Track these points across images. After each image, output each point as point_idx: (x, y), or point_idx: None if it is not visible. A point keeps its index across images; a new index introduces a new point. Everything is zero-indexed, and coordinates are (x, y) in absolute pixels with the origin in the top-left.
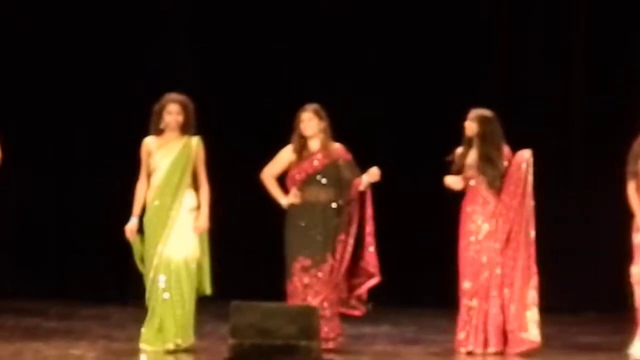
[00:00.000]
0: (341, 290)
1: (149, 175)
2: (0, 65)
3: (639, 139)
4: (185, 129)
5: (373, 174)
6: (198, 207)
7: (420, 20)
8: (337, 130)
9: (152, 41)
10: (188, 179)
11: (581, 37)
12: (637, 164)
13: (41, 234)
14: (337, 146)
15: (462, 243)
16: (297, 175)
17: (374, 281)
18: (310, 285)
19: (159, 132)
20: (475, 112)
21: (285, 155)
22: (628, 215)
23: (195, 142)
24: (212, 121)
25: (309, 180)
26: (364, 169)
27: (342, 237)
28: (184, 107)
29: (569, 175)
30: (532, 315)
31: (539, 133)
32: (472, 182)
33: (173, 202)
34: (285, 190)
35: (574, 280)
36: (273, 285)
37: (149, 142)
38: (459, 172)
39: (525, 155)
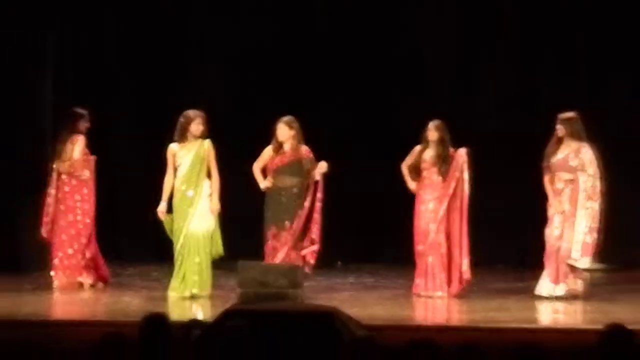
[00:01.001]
0: (297, 254)
1: (174, 171)
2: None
3: (551, 141)
4: (203, 136)
5: (321, 167)
6: (212, 193)
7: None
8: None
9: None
10: (204, 172)
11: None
12: (549, 161)
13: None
14: (303, 147)
15: (416, 217)
16: (272, 166)
17: (314, 248)
18: (276, 247)
19: (184, 139)
20: (435, 122)
21: (266, 153)
22: (543, 196)
23: (207, 143)
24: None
25: (280, 171)
26: (340, 162)
27: (299, 212)
28: (205, 120)
29: (496, 166)
30: (465, 263)
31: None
32: (425, 173)
33: (195, 188)
34: (266, 177)
35: (492, 240)
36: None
37: (173, 147)
38: (416, 164)
39: (462, 153)
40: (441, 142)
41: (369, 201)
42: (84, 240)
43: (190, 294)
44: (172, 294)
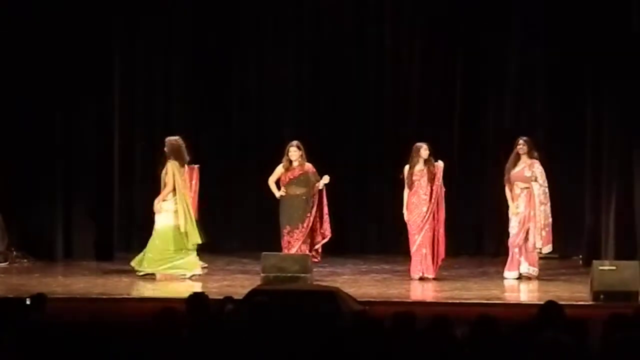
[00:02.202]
0: (307, 246)
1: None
2: None
3: (511, 156)
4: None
5: (325, 179)
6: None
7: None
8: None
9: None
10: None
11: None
12: (509, 174)
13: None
14: (308, 164)
15: (411, 217)
16: (285, 179)
17: (325, 240)
18: (291, 242)
19: (183, 161)
20: (425, 144)
21: (279, 170)
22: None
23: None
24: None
25: (291, 183)
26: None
27: (308, 214)
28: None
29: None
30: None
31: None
32: (416, 182)
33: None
34: (279, 188)
35: (461, 232)
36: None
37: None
38: (409, 180)
39: (439, 165)
40: (429, 158)
41: (361, 204)
42: None
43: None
44: (133, 266)
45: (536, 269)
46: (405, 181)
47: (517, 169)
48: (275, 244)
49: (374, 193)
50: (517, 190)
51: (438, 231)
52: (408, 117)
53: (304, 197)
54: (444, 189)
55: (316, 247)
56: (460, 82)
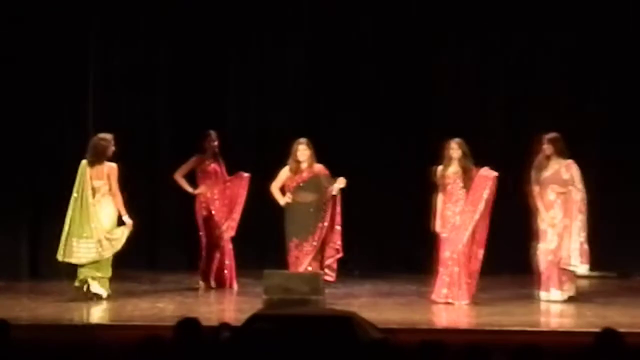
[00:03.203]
0: (319, 262)
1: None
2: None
3: (538, 158)
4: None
5: (340, 182)
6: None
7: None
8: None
9: None
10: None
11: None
12: (540, 176)
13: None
14: (319, 166)
15: (443, 229)
16: (292, 184)
17: (338, 255)
18: (299, 257)
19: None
20: (456, 140)
21: (284, 173)
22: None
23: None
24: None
25: (298, 188)
26: (356, 175)
27: (319, 224)
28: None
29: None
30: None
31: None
32: (449, 187)
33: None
34: (284, 194)
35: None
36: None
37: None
38: (442, 183)
39: (485, 173)
40: (463, 157)
41: (384, 215)
42: None
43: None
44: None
45: (576, 289)
46: (438, 185)
47: (550, 171)
48: (280, 260)
49: (398, 200)
50: (550, 196)
51: (476, 252)
52: (438, 111)
53: (315, 205)
54: (489, 203)
55: (329, 263)
56: (500, 76)
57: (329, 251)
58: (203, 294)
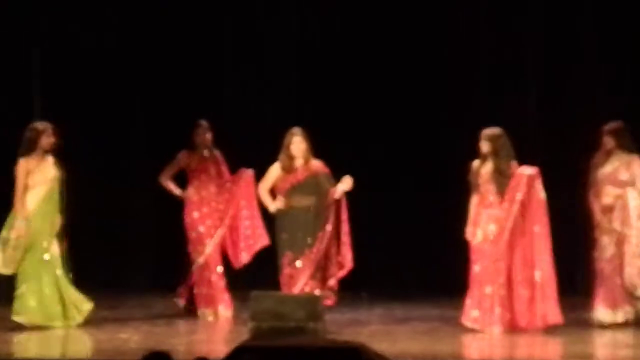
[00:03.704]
0: (318, 281)
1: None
2: None
3: (599, 152)
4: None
5: (346, 182)
6: None
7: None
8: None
9: None
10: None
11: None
12: (595, 173)
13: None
14: (317, 162)
15: (475, 238)
16: (283, 186)
17: (343, 273)
18: (294, 276)
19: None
20: (486, 132)
21: (274, 172)
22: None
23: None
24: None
25: (293, 190)
26: (363, 178)
27: (319, 235)
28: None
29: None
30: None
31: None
32: (482, 189)
33: None
34: (275, 198)
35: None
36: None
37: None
38: (476, 182)
39: (527, 172)
40: (496, 154)
41: (398, 221)
42: None
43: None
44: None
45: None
46: (473, 184)
47: (609, 168)
48: (270, 279)
49: (418, 203)
50: (607, 199)
51: (529, 275)
52: (465, 96)
53: (313, 211)
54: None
55: (331, 283)
56: (538, 58)
57: (331, 268)
58: (181, 321)
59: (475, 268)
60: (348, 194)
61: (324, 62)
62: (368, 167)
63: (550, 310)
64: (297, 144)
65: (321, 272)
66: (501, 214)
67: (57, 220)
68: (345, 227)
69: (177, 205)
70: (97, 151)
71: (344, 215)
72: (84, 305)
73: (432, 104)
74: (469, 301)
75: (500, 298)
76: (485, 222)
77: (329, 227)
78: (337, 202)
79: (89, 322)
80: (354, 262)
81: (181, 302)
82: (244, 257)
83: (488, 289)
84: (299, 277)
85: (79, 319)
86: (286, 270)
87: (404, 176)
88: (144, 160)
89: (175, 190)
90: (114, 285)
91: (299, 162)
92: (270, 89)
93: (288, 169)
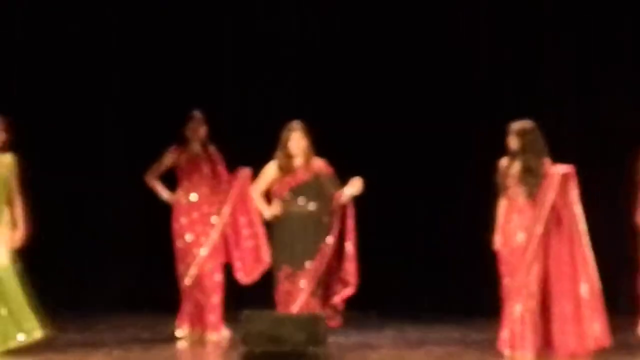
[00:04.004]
0: (320, 299)
1: None
2: None
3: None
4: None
5: (354, 185)
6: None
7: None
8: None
9: None
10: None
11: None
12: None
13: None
14: (319, 161)
15: (505, 248)
16: (282, 189)
17: (348, 291)
18: (292, 292)
19: None
20: (515, 126)
21: (270, 172)
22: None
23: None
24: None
25: (291, 194)
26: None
27: (321, 246)
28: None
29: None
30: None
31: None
32: (511, 191)
33: None
34: (270, 202)
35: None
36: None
37: None
38: (505, 183)
39: (561, 170)
40: (526, 151)
41: (412, 230)
42: None
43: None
44: None
45: None
46: (500, 186)
47: None
48: (264, 296)
49: (436, 209)
50: None
51: (570, 289)
52: (493, 86)
53: (315, 218)
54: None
55: (334, 301)
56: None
57: (335, 284)
58: (159, 345)
59: (505, 282)
60: (355, 199)
61: (329, 53)
62: (376, 170)
63: (600, 330)
64: (297, 140)
65: (323, 288)
66: (532, 219)
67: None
68: (351, 238)
69: (163, 211)
70: (64, 150)
71: (351, 224)
72: (34, 331)
73: (452, 97)
74: (506, 322)
75: (533, 317)
76: (515, 229)
77: (332, 237)
78: (343, 208)
79: (54, 347)
80: (362, 277)
81: (183, 330)
82: (241, 277)
83: (518, 307)
84: (298, 294)
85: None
86: (283, 286)
87: (418, 179)
88: (121, 159)
89: (163, 192)
90: (81, 305)
91: (298, 162)
92: (273, 80)
93: (286, 169)
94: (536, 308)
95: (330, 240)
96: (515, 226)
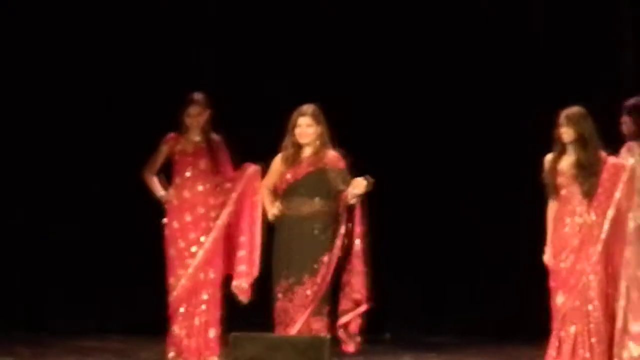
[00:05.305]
0: (325, 319)
1: None
2: None
3: None
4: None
5: (358, 184)
6: None
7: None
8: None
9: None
10: None
11: None
12: None
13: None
14: (331, 153)
15: (556, 261)
16: (282, 184)
17: (360, 309)
18: (289, 310)
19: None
20: (568, 114)
21: (276, 166)
22: None
23: None
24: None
25: (290, 191)
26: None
27: (325, 258)
28: None
29: None
30: None
31: None
32: (563, 192)
33: None
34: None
35: None
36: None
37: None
38: (553, 182)
39: (615, 161)
40: (583, 143)
41: (434, 240)
42: None
43: None
44: None
45: None
46: (548, 186)
47: None
48: (260, 315)
49: (463, 214)
50: None
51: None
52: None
53: (320, 221)
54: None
55: (343, 321)
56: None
57: (343, 301)
58: None
59: (558, 300)
60: (371, 200)
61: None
62: (394, 169)
63: None
64: (304, 127)
65: (328, 306)
66: (591, 222)
67: None
68: (358, 247)
69: (153, 213)
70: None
71: (358, 230)
72: None
73: (486, 82)
74: (552, 341)
75: (594, 337)
76: (570, 237)
77: (337, 245)
78: (351, 209)
79: None
80: (374, 294)
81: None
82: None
83: (572, 329)
84: (298, 314)
85: None
86: (280, 304)
87: (443, 178)
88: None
89: (158, 191)
90: (36, 327)
91: (306, 153)
92: (291, 59)
93: (291, 161)
94: (594, 328)
95: (335, 248)
96: (571, 232)
